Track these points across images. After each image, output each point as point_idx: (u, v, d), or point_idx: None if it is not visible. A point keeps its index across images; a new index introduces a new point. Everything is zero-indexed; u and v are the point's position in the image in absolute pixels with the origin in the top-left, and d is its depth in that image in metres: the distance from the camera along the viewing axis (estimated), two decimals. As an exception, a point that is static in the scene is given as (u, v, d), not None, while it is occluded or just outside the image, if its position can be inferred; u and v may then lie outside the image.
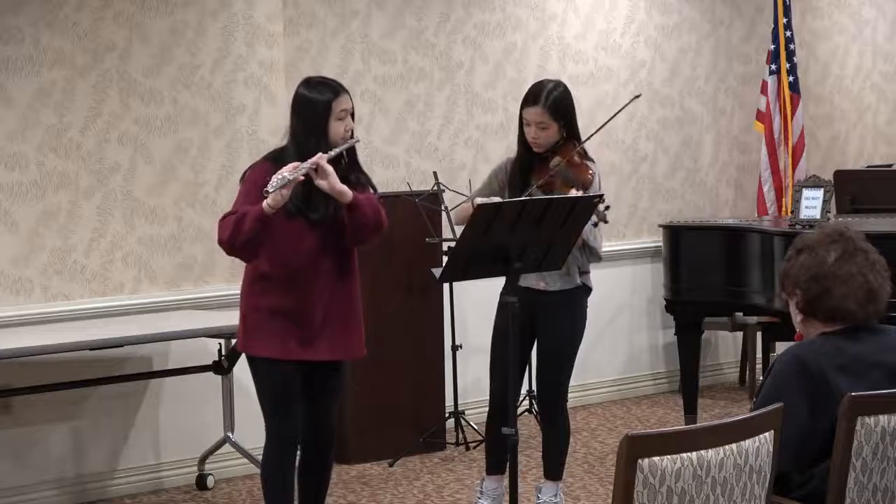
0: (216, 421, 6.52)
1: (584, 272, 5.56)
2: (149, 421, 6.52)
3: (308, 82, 4.97)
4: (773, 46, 8.58)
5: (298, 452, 5.07)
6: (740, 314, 7.95)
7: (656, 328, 8.51)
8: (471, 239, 4.69)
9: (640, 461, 2.91)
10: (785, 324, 4.25)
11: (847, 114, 9.55)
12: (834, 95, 9.47)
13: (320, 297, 4.89)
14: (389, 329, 6.83)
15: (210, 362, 6.44)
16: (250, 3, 6.76)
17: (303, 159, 4.77)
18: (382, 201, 5.04)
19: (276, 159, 4.88)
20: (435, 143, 7.59)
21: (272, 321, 4.88)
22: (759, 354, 8.40)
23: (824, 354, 3.51)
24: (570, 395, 8.00)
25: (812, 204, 6.93)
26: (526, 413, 7.45)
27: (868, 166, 9.27)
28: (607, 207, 5.25)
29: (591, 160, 5.57)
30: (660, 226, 7.76)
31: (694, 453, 2.97)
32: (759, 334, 8.32)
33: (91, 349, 5.85)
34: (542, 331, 5.53)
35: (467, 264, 4.81)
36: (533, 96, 5.49)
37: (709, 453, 2.99)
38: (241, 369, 6.32)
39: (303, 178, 4.73)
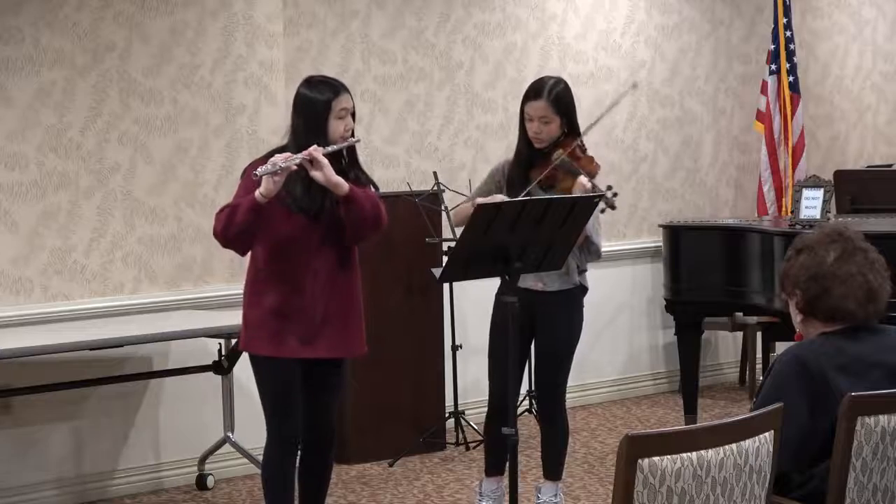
0: (216, 421, 6.52)
1: (582, 271, 5.56)
2: (149, 421, 6.52)
3: (309, 81, 4.98)
4: (773, 46, 8.58)
5: (299, 452, 5.07)
6: (740, 314, 7.95)
7: (656, 328, 8.51)
8: (471, 239, 4.69)
9: (640, 461, 2.91)
10: (785, 324, 4.25)
11: (847, 114, 9.55)
12: (834, 95, 9.47)
13: (321, 295, 4.89)
14: (389, 328, 6.83)
15: (210, 362, 6.44)
16: (250, 3, 6.76)
17: None
18: (383, 200, 5.04)
19: (277, 156, 4.89)
20: (435, 143, 7.59)
21: (273, 319, 4.88)
22: (759, 354, 8.40)
23: (824, 354, 3.51)
24: (569, 395, 8.01)
25: (812, 204, 6.93)
26: (526, 413, 7.45)
27: (868, 166, 9.27)
28: (615, 194, 5.24)
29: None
30: (660, 226, 7.76)
31: (694, 453, 2.97)
32: (759, 334, 8.32)
33: (91, 349, 5.85)
34: (540, 331, 5.53)
35: (467, 264, 4.81)
36: (535, 90, 5.49)
37: (709, 453, 2.99)
38: (241, 369, 6.33)
39: (295, 167, 4.72)
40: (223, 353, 6.41)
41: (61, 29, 6.25)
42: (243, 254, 4.97)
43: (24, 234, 6.19)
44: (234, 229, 4.77)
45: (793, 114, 8.59)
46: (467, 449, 7.07)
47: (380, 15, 7.36)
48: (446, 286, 7.07)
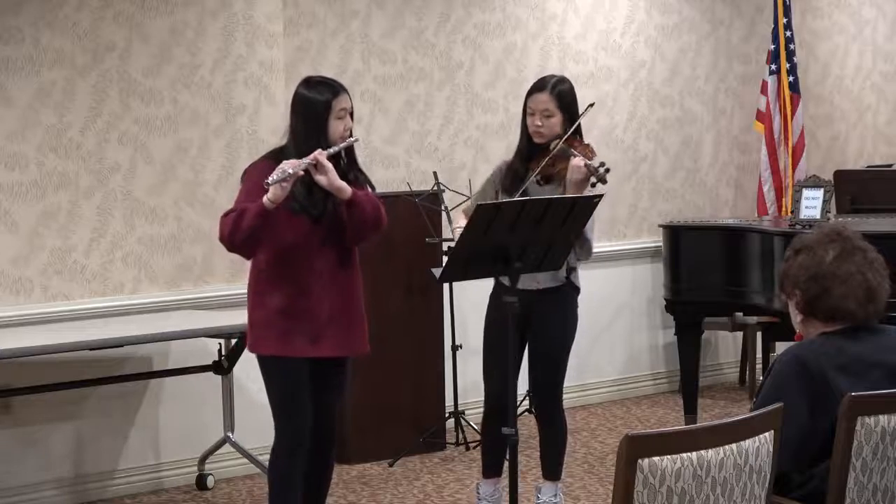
0: (216, 421, 6.52)
1: (572, 268, 5.54)
2: (149, 421, 6.52)
3: (308, 82, 4.99)
4: (773, 46, 8.58)
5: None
6: (740, 314, 7.95)
7: (656, 328, 8.51)
8: (471, 239, 4.69)
9: (640, 461, 2.91)
10: (785, 324, 4.25)
11: (847, 114, 9.55)
12: (834, 95, 9.47)
13: (324, 295, 4.91)
14: (389, 329, 6.83)
15: (210, 362, 6.44)
16: (250, 3, 6.76)
17: (302, 157, 4.79)
18: (382, 200, 5.06)
19: (276, 158, 4.90)
20: (435, 143, 7.59)
21: (278, 319, 4.90)
22: (759, 354, 8.40)
23: (824, 354, 3.51)
24: (569, 395, 8.04)
25: (812, 204, 6.93)
26: (526, 413, 7.45)
27: (868, 166, 9.27)
28: (607, 170, 5.21)
29: None
30: (660, 226, 7.76)
31: (694, 453, 2.97)
32: (759, 334, 8.32)
33: (91, 349, 5.85)
34: (535, 331, 5.51)
35: (467, 264, 4.82)
36: (540, 84, 5.50)
37: (709, 453, 2.99)
38: (241, 369, 6.34)
39: (302, 172, 4.75)
40: (223, 353, 6.41)
41: (61, 29, 6.25)
42: (249, 258, 4.98)
43: (24, 234, 6.19)
44: (241, 235, 4.79)
45: (793, 114, 8.59)
46: (467, 449, 7.07)
47: (380, 15, 7.36)
48: (446, 286, 7.07)
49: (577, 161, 5.26)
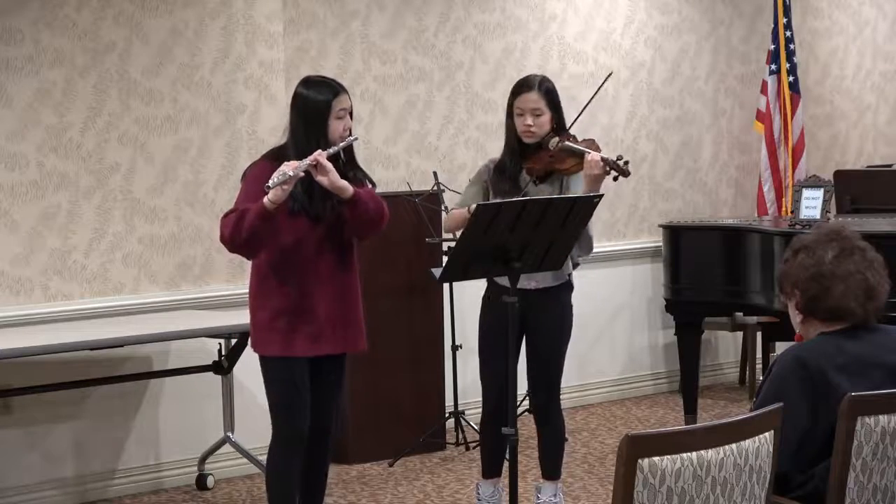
0: (216, 421, 6.52)
1: (575, 265, 5.55)
2: (149, 421, 6.52)
3: (307, 81, 5.00)
4: (773, 46, 8.58)
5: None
6: (740, 314, 7.95)
7: (656, 328, 8.51)
8: (471, 239, 4.70)
9: (640, 461, 2.91)
10: (785, 324, 4.25)
11: (847, 114, 9.55)
12: (834, 95, 9.47)
13: (324, 293, 4.93)
14: (389, 329, 6.84)
15: (210, 362, 6.44)
16: (250, 3, 6.76)
17: (302, 157, 4.81)
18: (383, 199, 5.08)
19: (276, 158, 4.92)
20: (435, 143, 7.59)
21: (280, 320, 4.93)
22: (759, 354, 8.40)
23: (824, 354, 3.51)
24: (569, 395, 8.06)
25: (812, 204, 6.93)
26: (526, 413, 7.44)
27: (868, 166, 9.27)
28: (626, 162, 5.16)
29: None
30: (660, 226, 7.76)
31: (694, 453, 2.97)
32: (759, 334, 8.32)
33: (91, 349, 5.85)
34: (532, 331, 5.51)
35: (467, 264, 4.82)
36: (526, 84, 5.46)
37: (709, 453, 2.99)
38: (241, 369, 6.34)
39: (303, 174, 4.76)
40: (223, 353, 6.41)
41: (61, 29, 6.25)
42: (250, 258, 5.00)
43: (24, 234, 6.19)
44: (242, 236, 4.80)
45: (793, 114, 8.59)
46: (467, 449, 7.07)
47: (380, 15, 7.36)
48: (446, 286, 7.07)
49: (594, 156, 5.21)
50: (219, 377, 6.44)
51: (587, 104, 5.52)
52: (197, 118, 6.63)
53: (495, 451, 5.59)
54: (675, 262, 7.32)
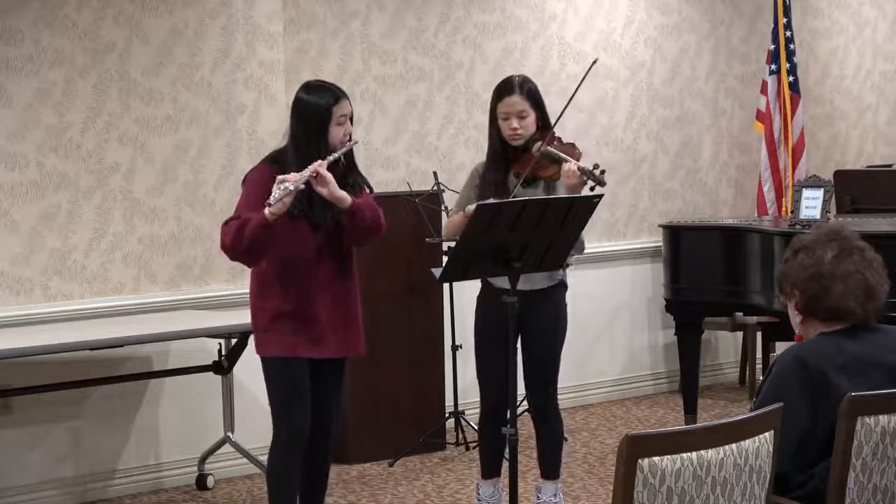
0: (216, 421, 6.52)
1: (567, 265, 5.54)
2: (149, 421, 6.52)
3: (308, 87, 5.02)
4: (773, 46, 8.58)
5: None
6: (740, 314, 7.95)
7: (656, 328, 8.51)
8: (471, 239, 4.70)
9: (640, 461, 2.91)
10: (785, 324, 4.25)
11: (847, 114, 9.55)
12: (834, 95, 9.47)
13: (323, 298, 4.96)
14: (389, 329, 6.84)
15: (210, 362, 6.44)
16: (250, 3, 6.76)
17: (302, 163, 4.83)
18: (380, 202, 5.09)
19: (276, 161, 4.93)
20: (435, 143, 7.59)
21: (282, 322, 4.95)
22: (759, 354, 8.39)
23: (824, 354, 3.51)
24: (569, 395, 8.05)
25: (812, 204, 6.93)
26: (526, 413, 7.44)
27: (868, 166, 9.27)
28: (602, 171, 5.18)
29: None
30: (660, 226, 7.75)
31: (694, 453, 2.97)
32: (759, 334, 8.31)
33: (91, 349, 5.85)
34: (528, 332, 5.50)
35: (467, 264, 4.82)
36: (507, 87, 5.44)
37: (709, 453, 2.99)
38: (241, 369, 6.34)
39: (303, 186, 4.77)
40: (223, 353, 6.41)
41: (61, 29, 6.24)
42: (251, 266, 5.01)
43: (24, 234, 6.19)
44: (244, 245, 4.83)
45: (793, 114, 8.59)
46: (467, 449, 7.06)
47: (380, 15, 7.36)
48: (446, 286, 7.07)
49: (571, 166, 5.23)
50: (219, 377, 6.45)
51: (572, 96, 5.50)
52: (197, 118, 6.63)
53: (494, 451, 5.59)
54: (675, 262, 7.32)
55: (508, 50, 7.86)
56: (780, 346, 8.01)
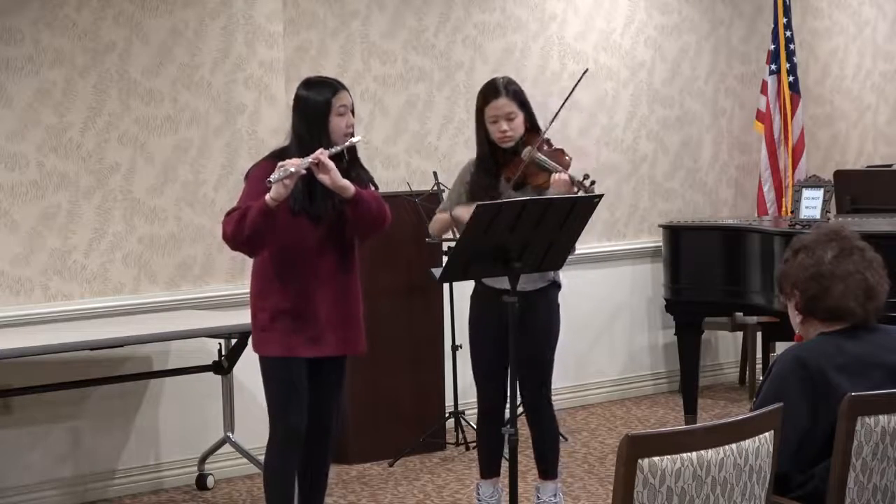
0: (216, 421, 6.52)
1: None
2: (149, 421, 6.52)
3: (307, 83, 5.04)
4: (773, 46, 8.58)
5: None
6: (740, 314, 7.95)
7: (656, 328, 8.51)
8: (471, 239, 4.70)
9: (640, 461, 2.91)
10: (785, 324, 4.25)
11: (847, 114, 9.55)
12: (834, 95, 9.47)
13: (325, 296, 4.95)
14: (389, 329, 6.84)
15: (210, 362, 6.44)
16: (250, 3, 6.76)
17: (305, 157, 4.82)
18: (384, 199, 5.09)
19: (279, 159, 4.93)
20: (435, 143, 7.59)
21: (281, 320, 4.94)
22: (759, 354, 8.39)
23: (824, 354, 3.51)
24: (569, 395, 8.06)
25: (812, 204, 6.93)
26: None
27: (868, 166, 9.27)
28: (593, 182, 5.17)
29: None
30: (660, 226, 7.76)
31: (694, 453, 2.97)
32: (759, 334, 8.31)
33: (91, 349, 5.85)
34: (521, 332, 5.48)
35: (467, 264, 4.82)
36: (493, 90, 5.43)
37: (709, 453, 2.99)
38: (241, 369, 6.34)
39: (304, 171, 4.77)
40: (223, 353, 6.41)
41: (61, 29, 6.25)
42: (252, 256, 5.01)
43: (24, 234, 6.19)
44: (245, 233, 4.81)
45: (793, 114, 8.59)
46: (467, 449, 7.06)
47: (380, 15, 7.36)
48: (446, 286, 7.07)
49: (561, 176, 5.23)
50: (219, 377, 6.45)
51: (561, 105, 5.49)
52: (197, 118, 6.63)
53: (493, 451, 5.59)
54: (675, 262, 7.32)
55: (508, 50, 7.86)
56: (780, 346, 8.01)
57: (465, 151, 7.67)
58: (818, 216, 6.86)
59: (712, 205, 8.84)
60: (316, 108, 4.92)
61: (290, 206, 4.85)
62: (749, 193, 8.89)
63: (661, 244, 7.61)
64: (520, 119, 5.39)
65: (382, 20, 7.37)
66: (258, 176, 4.91)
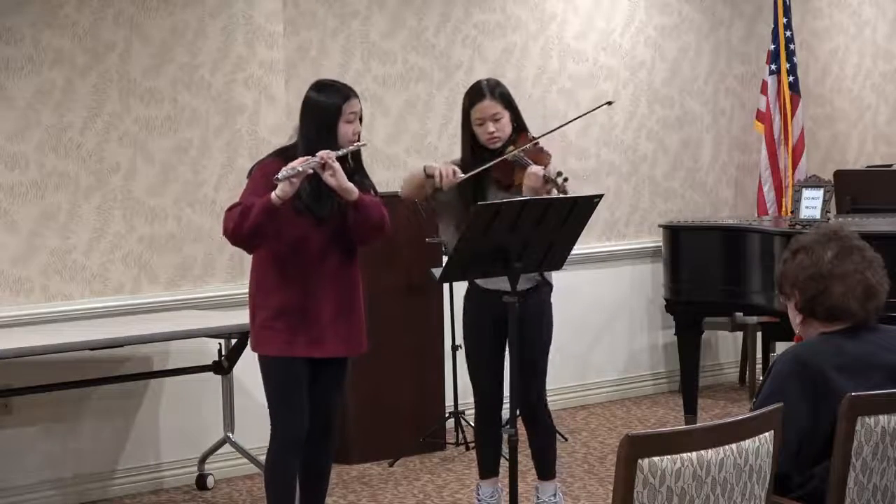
0: (216, 421, 6.52)
1: None
2: (149, 421, 6.52)
3: (318, 85, 5.06)
4: (773, 46, 8.58)
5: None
6: (740, 314, 7.95)
7: (656, 328, 8.51)
8: (471, 239, 4.70)
9: (640, 461, 2.91)
10: (785, 324, 4.26)
11: (847, 114, 9.55)
12: (834, 95, 9.47)
13: (326, 295, 4.95)
14: (389, 329, 6.83)
15: (210, 362, 6.44)
16: (250, 3, 6.76)
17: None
18: (384, 201, 5.09)
19: (284, 156, 4.94)
20: (435, 143, 7.59)
21: (280, 320, 4.94)
22: (759, 354, 8.40)
23: (824, 354, 3.51)
24: (569, 395, 8.06)
25: (812, 204, 6.93)
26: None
27: (868, 166, 9.27)
28: (566, 179, 5.14)
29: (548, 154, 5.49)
30: (660, 226, 7.75)
31: (694, 453, 2.97)
32: (759, 334, 8.32)
33: (91, 349, 5.85)
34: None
35: (467, 264, 4.82)
36: (478, 92, 5.41)
37: (709, 453, 2.99)
38: (241, 369, 6.34)
39: (311, 171, 4.77)
40: (223, 353, 6.41)
41: (61, 29, 6.24)
42: (251, 252, 5.01)
43: (24, 234, 6.19)
44: (246, 229, 4.82)
45: (793, 114, 8.59)
46: (467, 449, 7.06)
47: (380, 15, 7.36)
48: (446, 286, 7.07)
49: (535, 169, 5.21)
50: (219, 377, 6.45)
51: (565, 123, 5.48)
52: (197, 118, 6.63)
53: (491, 451, 5.58)
54: (675, 262, 7.32)
55: (508, 50, 7.86)
56: (780, 346, 8.01)
57: (465, 151, 7.68)
58: (818, 216, 6.86)
59: (712, 205, 8.84)
60: (326, 113, 4.93)
61: (294, 205, 4.85)
62: (749, 193, 8.89)
63: (661, 244, 7.61)
64: (506, 119, 5.39)
65: (382, 20, 7.37)
66: (262, 173, 4.92)
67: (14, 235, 6.17)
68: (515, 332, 4.90)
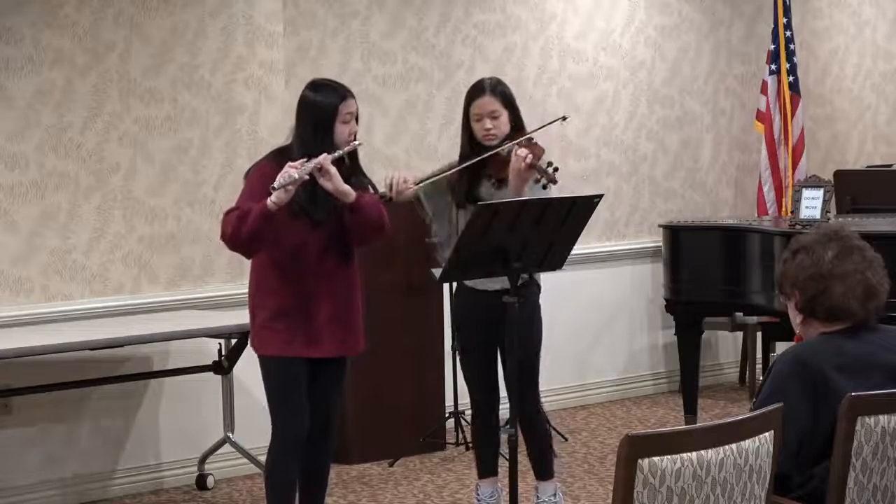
0: (216, 421, 6.52)
1: None
2: (149, 421, 6.52)
3: (314, 85, 5.03)
4: (773, 46, 8.58)
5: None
6: (740, 314, 7.95)
7: (656, 328, 8.51)
8: (470, 239, 4.70)
9: (640, 461, 2.91)
10: (785, 324, 4.26)
11: (847, 114, 9.55)
12: (834, 95, 9.47)
13: (324, 296, 4.95)
14: (389, 329, 6.83)
15: (210, 362, 6.44)
16: (250, 3, 6.76)
17: (306, 160, 4.82)
18: (383, 202, 5.08)
19: (280, 158, 4.93)
20: (435, 143, 7.59)
21: (280, 320, 4.95)
22: (759, 354, 8.39)
23: (824, 354, 3.51)
24: (569, 396, 8.06)
25: (812, 204, 6.93)
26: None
27: (868, 166, 9.27)
28: (556, 169, 5.11)
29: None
30: (660, 226, 7.75)
31: (694, 453, 2.97)
32: (759, 334, 8.31)
33: (91, 349, 5.85)
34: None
35: (467, 265, 4.82)
36: (478, 89, 5.41)
37: (709, 453, 2.99)
38: (241, 369, 6.34)
39: (307, 177, 4.77)
40: (223, 353, 6.41)
41: (61, 29, 6.24)
42: (249, 257, 5.02)
43: (24, 234, 6.19)
44: (243, 236, 4.82)
45: (793, 114, 8.59)
46: (467, 449, 7.06)
47: (380, 15, 7.36)
48: (446, 286, 7.07)
49: (520, 150, 5.15)
50: (219, 377, 6.45)
51: (533, 131, 5.46)
52: (197, 118, 6.63)
53: (489, 451, 5.58)
54: (675, 262, 7.32)
55: (508, 50, 7.86)
56: (780, 346, 8.01)
57: (465, 151, 7.68)
58: (818, 216, 6.86)
59: (712, 205, 8.83)
60: (322, 113, 4.92)
61: (291, 208, 4.84)
62: (749, 193, 8.89)
63: (661, 244, 7.60)
64: (504, 117, 5.38)
65: (382, 20, 7.37)
66: (258, 176, 4.92)
67: (14, 235, 6.17)
68: (515, 334, 4.89)
